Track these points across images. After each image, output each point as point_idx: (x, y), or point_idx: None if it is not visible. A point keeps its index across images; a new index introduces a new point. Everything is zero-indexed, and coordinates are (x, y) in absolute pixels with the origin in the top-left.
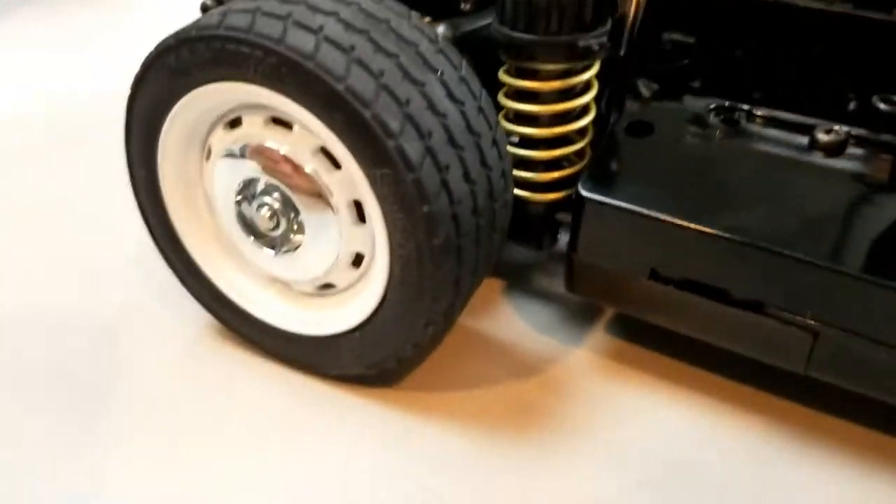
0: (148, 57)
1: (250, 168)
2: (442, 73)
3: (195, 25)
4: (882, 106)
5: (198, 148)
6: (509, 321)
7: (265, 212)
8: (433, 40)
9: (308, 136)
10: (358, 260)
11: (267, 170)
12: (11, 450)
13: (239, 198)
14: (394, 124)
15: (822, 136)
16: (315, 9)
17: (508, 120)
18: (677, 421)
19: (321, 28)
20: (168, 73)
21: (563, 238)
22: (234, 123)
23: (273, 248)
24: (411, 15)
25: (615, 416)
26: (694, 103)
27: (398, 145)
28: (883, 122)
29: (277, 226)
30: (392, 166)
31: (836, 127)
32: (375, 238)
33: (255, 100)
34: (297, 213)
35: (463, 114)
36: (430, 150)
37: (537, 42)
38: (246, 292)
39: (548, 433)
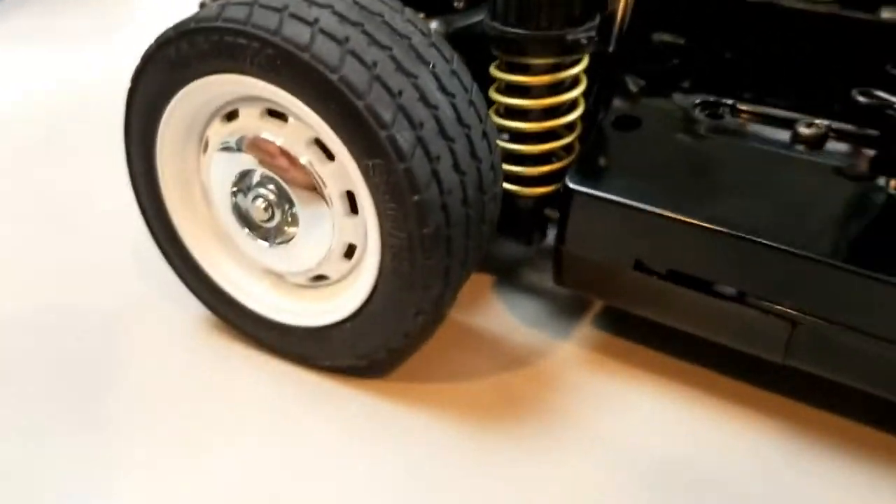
0: (148, 50)
1: (246, 160)
2: (434, 66)
3: (194, 18)
4: (861, 99)
5: (195, 141)
6: (499, 315)
7: (260, 203)
8: (426, 34)
9: (302, 127)
10: (350, 251)
11: (262, 161)
12: (11, 446)
13: (235, 189)
14: (386, 115)
15: (804, 130)
16: (311, 2)
17: (499, 115)
18: (661, 412)
19: (317, 20)
20: (168, 66)
21: (552, 234)
22: (231, 116)
23: (267, 239)
24: (405, 10)
25: (601, 407)
26: (680, 99)
27: (390, 135)
28: (862, 115)
29: (272, 217)
30: (384, 156)
31: (818, 121)
32: (367, 229)
33: (251, 91)
34: (291, 204)
35: (454, 106)
36: (421, 141)
37: (527, 36)
38: (241, 285)
39: (535, 423)
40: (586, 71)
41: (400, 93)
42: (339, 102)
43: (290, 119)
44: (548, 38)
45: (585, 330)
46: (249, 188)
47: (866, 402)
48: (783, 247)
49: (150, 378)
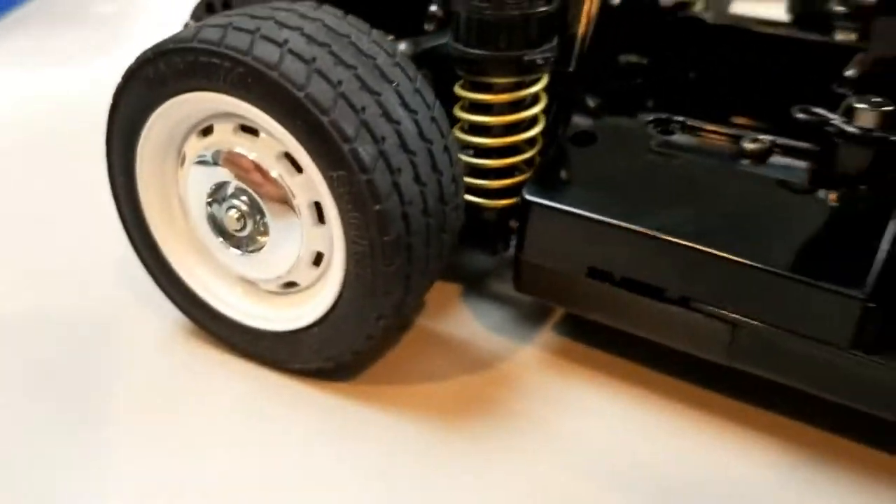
0: (129, 68)
1: (221, 173)
2: (397, 85)
3: (172, 39)
4: (801, 116)
5: (173, 154)
6: (465, 322)
7: (233, 213)
8: (391, 54)
9: (273, 141)
10: (318, 259)
11: (236, 174)
12: None
13: (210, 200)
14: (349, 129)
15: (749, 146)
16: (282, 24)
17: (464, 131)
18: (618, 413)
19: (286, 41)
20: (147, 84)
21: None
22: (207, 131)
23: (240, 248)
24: (372, 31)
25: (560, 408)
26: (635, 116)
27: (353, 149)
28: (802, 131)
29: (245, 227)
30: (347, 168)
31: (762, 137)
32: (333, 237)
33: (225, 108)
34: (262, 214)
35: (416, 122)
36: (383, 154)
37: (487, 57)
38: (216, 292)
39: (497, 423)
40: (546, 89)
41: (363, 109)
42: (305, 118)
43: (262, 134)
44: (506, 58)
45: (547, 335)
46: (224, 199)
47: (817, 406)
48: (726, 254)
49: (129, 381)
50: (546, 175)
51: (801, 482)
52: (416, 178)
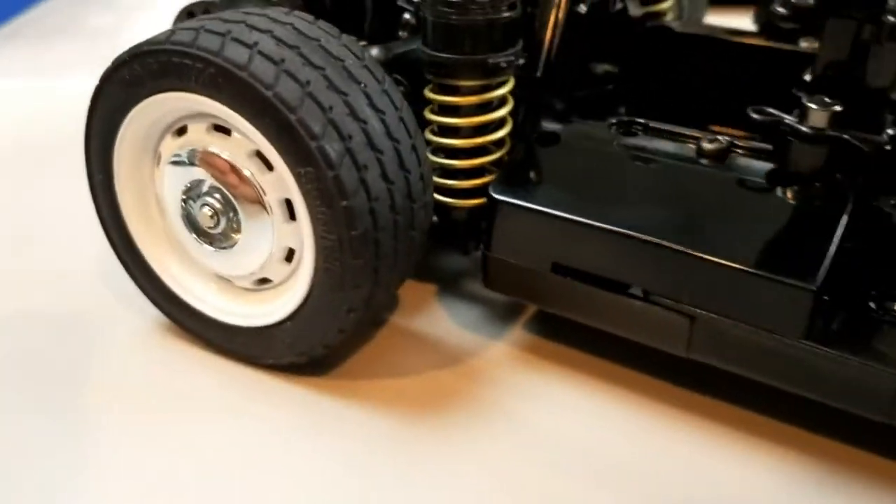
0: (106, 71)
1: (195, 171)
2: (365, 85)
3: (147, 41)
4: (756, 116)
5: (150, 154)
6: (438, 320)
7: (207, 211)
8: (360, 57)
9: (244, 140)
10: (290, 255)
11: (209, 172)
12: None
13: (184, 198)
14: (316, 127)
15: (707, 145)
16: (252, 27)
17: (434, 133)
18: (586, 407)
19: (256, 43)
20: (123, 85)
21: None
22: (181, 131)
23: (214, 244)
24: (342, 36)
25: (530, 402)
26: (598, 118)
27: (320, 146)
28: (757, 131)
29: (218, 224)
30: (315, 165)
31: (720, 137)
32: (303, 233)
33: (198, 108)
34: (235, 211)
35: (383, 121)
36: (349, 151)
37: (453, 60)
38: (192, 289)
39: (467, 416)
40: (513, 93)
41: (330, 108)
42: (274, 116)
43: (234, 133)
44: (472, 61)
45: (517, 332)
46: (198, 197)
47: (790, 402)
48: (683, 249)
49: (109, 378)
50: (512, 174)
51: (778, 480)
52: (384, 176)
